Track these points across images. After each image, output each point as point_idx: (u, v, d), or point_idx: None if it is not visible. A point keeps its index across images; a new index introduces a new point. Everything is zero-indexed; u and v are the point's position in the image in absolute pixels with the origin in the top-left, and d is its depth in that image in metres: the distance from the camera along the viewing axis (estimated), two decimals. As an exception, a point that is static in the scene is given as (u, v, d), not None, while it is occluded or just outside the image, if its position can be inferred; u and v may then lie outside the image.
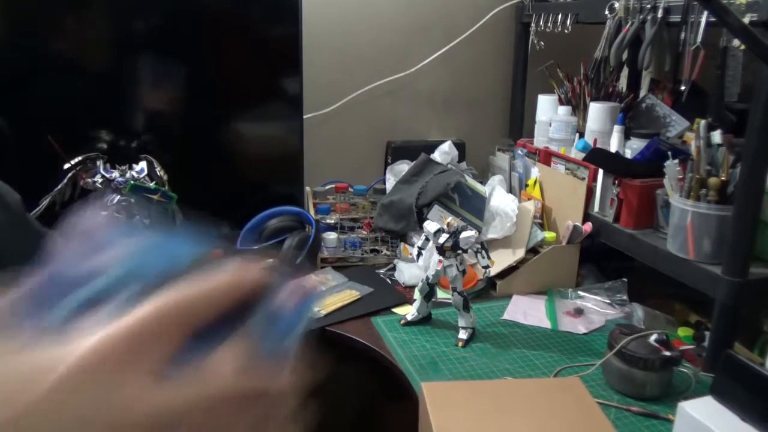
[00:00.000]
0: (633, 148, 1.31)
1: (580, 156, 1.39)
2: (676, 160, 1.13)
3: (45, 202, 1.22)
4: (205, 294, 0.26)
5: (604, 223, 1.31)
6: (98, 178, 1.22)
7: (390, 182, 1.59)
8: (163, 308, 0.25)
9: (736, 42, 1.12)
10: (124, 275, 0.27)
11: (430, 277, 1.17)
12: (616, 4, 1.32)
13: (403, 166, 1.60)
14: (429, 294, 1.18)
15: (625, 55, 1.33)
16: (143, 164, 1.26)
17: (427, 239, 1.16)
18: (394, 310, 1.25)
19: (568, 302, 1.29)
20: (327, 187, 1.66)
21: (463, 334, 1.14)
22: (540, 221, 1.43)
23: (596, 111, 1.42)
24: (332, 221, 1.52)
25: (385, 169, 1.67)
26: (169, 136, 1.46)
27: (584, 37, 1.52)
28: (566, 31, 1.50)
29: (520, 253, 1.33)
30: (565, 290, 1.33)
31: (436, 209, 1.40)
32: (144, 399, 0.24)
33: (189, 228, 0.30)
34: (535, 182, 1.49)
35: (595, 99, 1.48)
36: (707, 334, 1.08)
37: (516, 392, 0.81)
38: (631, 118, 1.45)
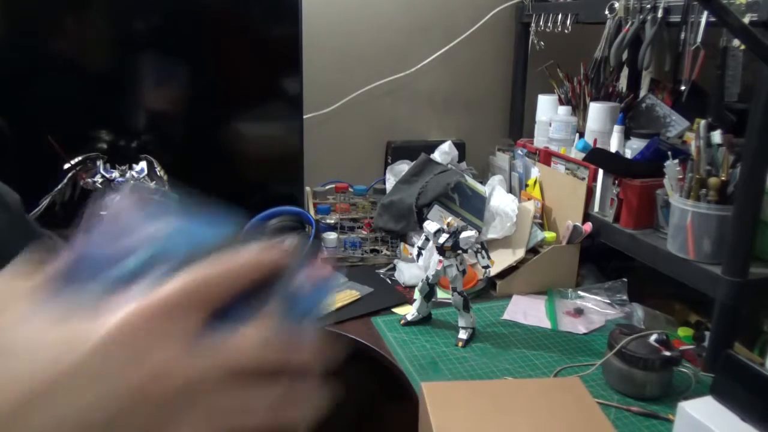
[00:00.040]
0: (633, 148, 1.31)
1: (580, 156, 1.39)
2: (676, 160, 1.13)
3: (45, 202, 1.22)
4: (228, 272, 0.28)
5: (604, 223, 1.31)
6: (98, 178, 1.22)
7: (390, 182, 1.59)
8: (190, 284, 0.27)
9: (736, 42, 1.12)
10: (154, 255, 0.28)
11: (430, 277, 1.17)
12: (616, 4, 1.32)
13: (403, 166, 1.60)
14: (429, 294, 1.18)
15: (625, 55, 1.33)
16: (143, 164, 1.26)
17: (427, 239, 1.16)
18: (394, 310, 1.25)
19: (568, 302, 1.29)
20: (327, 187, 1.66)
21: (463, 334, 1.14)
22: (540, 221, 1.43)
23: (596, 111, 1.42)
24: (332, 221, 1.52)
25: (385, 169, 1.67)
26: (169, 136, 1.46)
27: (584, 37, 1.52)
28: (566, 31, 1.50)
29: (520, 253, 1.33)
30: (565, 290, 1.33)
31: (436, 209, 1.40)
32: (173, 366, 0.25)
33: (212, 212, 0.31)
34: (535, 182, 1.49)
35: (595, 99, 1.48)
36: (707, 334, 1.08)
37: (516, 392, 0.81)
38: (631, 118, 1.45)
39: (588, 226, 1.33)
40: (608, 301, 1.28)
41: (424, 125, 1.83)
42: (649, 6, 1.25)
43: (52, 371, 0.24)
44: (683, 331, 1.17)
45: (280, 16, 1.45)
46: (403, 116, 1.80)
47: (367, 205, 1.59)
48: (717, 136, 1.07)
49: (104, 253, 0.29)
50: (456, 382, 1.00)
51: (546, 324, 1.21)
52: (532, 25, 1.64)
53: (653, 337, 0.98)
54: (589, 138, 1.42)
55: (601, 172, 1.31)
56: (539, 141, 1.58)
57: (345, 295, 1.28)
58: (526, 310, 1.25)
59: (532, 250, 1.35)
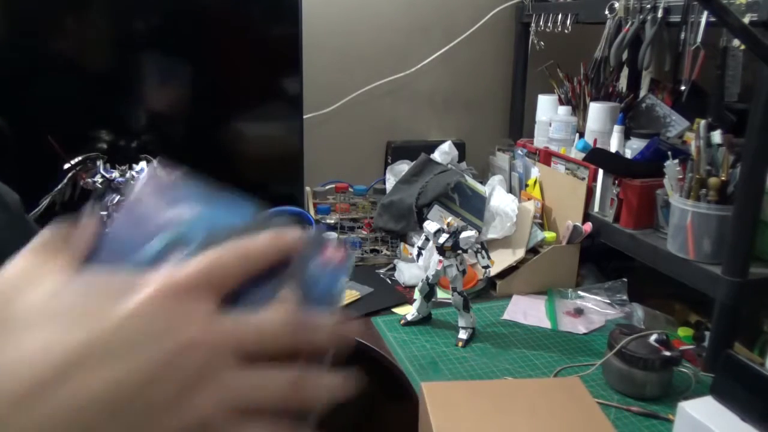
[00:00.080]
0: (633, 148, 1.31)
1: (580, 156, 1.39)
2: (676, 160, 1.13)
3: (45, 202, 1.21)
4: (243, 255, 0.29)
5: (604, 223, 1.31)
6: (98, 178, 1.21)
7: (390, 182, 1.59)
8: (206, 266, 0.28)
9: (736, 42, 1.12)
10: (175, 239, 0.30)
11: (430, 277, 1.17)
12: (616, 4, 1.32)
13: (403, 166, 1.60)
14: (429, 294, 1.18)
15: (625, 55, 1.33)
16: (143, 164, 1.26)
17: (427, 239, 1.16)
18: (394, 310, 1.25)
19: (568, 302, 1.29)
20: (327, 187, 1.66)
21: (463, 334, 1.14)
22: (540, 221, 1.43)
23: (596, 111, 1.42)
24: (332, 221, 1.52)
25: (385, 169, 1.67)
26: (169, 136, 1.46)
27: (584, 37, 1.52)
28: (566, 31, 1.50)
29: (520, 253, 1.33)
30: (565, 290, 1.33)
31: (436, 209, 1.40)
32: (195, 342, 0.26)
33: (231, 198, 0.33)
34: (535, 182, 1.49)
35: (595, 99, 1.48)
36: (707, 334, 1.08)
37: (516, 392, 0.81)
38: (631, 118, 1.45)
39: (588, 226, 1.33)
40: (608, 301, 1.28)
41: (424, 125, 1.83)
42: (649, 6, 1.24)
43: (85, 342, 0.25)
44: (683, 331, 1.17)
45: (280, 16, 1.45)
46: (403, 116, 1.80)
47: (367, 205, 1.59)
48: (717, 136, 1.07)
49: (128, 237, 0.30)
50: (456, 382, 1.00)
51: (546, 324, 1.21)
52: (532, 25, 1.64)
53: (653, 337, 0.97)
54: (589, 138, 1.42)
55: (601, 172, 1.31)
56: (539, 141, 1.58)
57: (345, 295, 1.28)
58: (526, 310, 1.25)
59: (532, 250, 1.35)
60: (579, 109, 1.54)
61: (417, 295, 1.20)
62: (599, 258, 1.40)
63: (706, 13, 1.11)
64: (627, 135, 1.35)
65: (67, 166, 1.23)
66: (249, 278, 0.29)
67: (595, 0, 1.38)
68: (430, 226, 1.15)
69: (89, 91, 1.37)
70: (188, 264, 0.28)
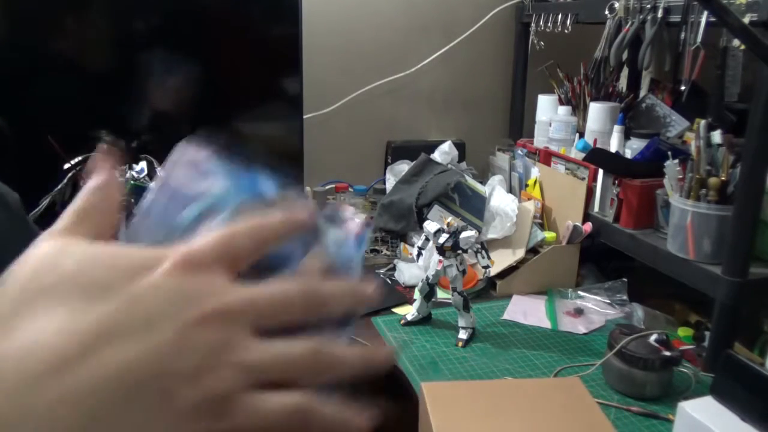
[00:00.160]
0: (633, 148, 1.31)
1: (580, 156, 1.39)
2: (676, 160, 1.13)
3: (45, 202, 1.21)
4: (258, 229, 0.29)
5: (604, 223, 1.30)
6: (98, 178, 1.21)
7: (390, 182, 1.59)
8: (233, 232, 0.29)
9: (736, 42, 1.12)
10: (208, 208, 0.31)
11: (430, 277, 1.17)
12: (616, 4, 1.32)
13: (403, 166, 1.60)
14: (429, 294, 1.18)
15: (625, 55, 1.33)
16: (143, 164, 1.26)
17: (427, 239, 1.16)
18: (394, 310, 1.25)
19: (568, 302, 1.29)
20: (327, 187, 1.66)
21: (463, 334, 1.14)
22: (540, 221, 1.43)
23: (596, 111, 1.42)
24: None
25: (385, 169, 1.67)
26: (169, 136, 1.45)
27: (584, 37, 1.52)
28: (566, 31, 1.50)
29: (520, 253, 1.33)
30: (565, 290, 1.33)
31: (436, 209, 1.40)
32: (219, 303, 0.27)
33: (260, 170, 0.34)
34: (535, 182, 1.49)
35: (595, 99, 1.48)
36: (707, 334, 1.08)
37: (516, 392, 0.81)
38: (631, 118, 1.45)
39: (588, 226, 1.33)
40: (608, 301, 1.28)
41: (424, 125, 1.83)
42: (649, 6, 1.25)
43: (100, 322, 0.25)
44: (683, 331, 1.17)
45: (280, 16, 1.45)
46: (403, 116, 1.80)
47: (367, 205, 1.59)
48: (717, 136, 1.07)
49: (163, 207, 0.32)
50: (456, 382, 1.00)
51: (546, 324, 1.21)
52: (532, 25, 1.64)
53: (653, 337, 0.97)
54: (589, 138, 1.42)
55: (601, 172, 1.31)
56: (539, 141, 1.58)
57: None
58: (526, 310, 1.25)
59: (532, 250, 1.35)
60: (579, 109, 1.54)
61: (417, 295, 1.20)
62: (599, 258, 1.40)
63: (706, 13, 1.11)
64: (627, 135, 1.35)
65: (67, 166, 1.23)
66: (268, 251, 0.30)
67: (595, 0, 1.38)
68: (430, 226, 1.15)
69: (89, 91, 1.37)
70: (204, 238, 0.28)
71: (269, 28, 1.47)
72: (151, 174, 1.26)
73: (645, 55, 1.24)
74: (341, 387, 0.30)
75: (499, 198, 1.47)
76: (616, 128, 1.36)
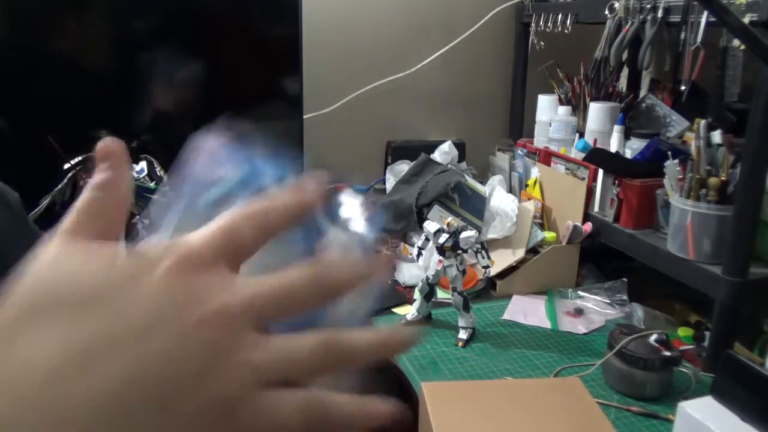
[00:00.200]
0: (633, 148, 1.31)
1: (580, 156, 1.39)
2: (676, 160, 1.13)
3: (45, 202, 1.21)
4: (262, 214, 0.28)
5: (604, 223, 1.30)
6: (98, 178, 1.21)
7: (390, 182, 1.59)
8: (234, 222, 0.27)
9: (736, 42, 1.12)
10: (237, 186, 0.32)
11: (430, 277, 1.17)
12: (616, 4, 1.32)
13: (403, 166, 1.60)
14: (429, 294, 1.18)
15: (625, 55, 1.33)
16: (143, 164, 1.26)
17: (427, 239, 1.16)
18: (394, 310, 1.25)
19: (568, 302, 1.29)
20: (327, 187, 1.66)
21: (463, 334, 1.14)
22: (540, 221, 1.43)
23: (596, 111, 1.42)
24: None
25: (385, 169, 1.67)
26: (169, 136, 1.45)
27: (584, 37, 1.52)
28: (566, 31, 1.50)
29: (520, 253, 1.33)
30: (565, 290, 1.33)
31: (436, 209, 1.40)
32: (219, 303, 0.26)
33: (279, 153, 0.35)
34: (535, 182, 1.49)
35: (595, 99, 1.48)
36: (707, 334, 1.08)
37: (516, 392, 0.81)
38: (631, 118, 1.45)
39: (588, 226, 1.33)
40: (608, 301, 1.28)
41: (424, 125, 1.83)
42: (649, 6, 1.25)
43: (97, 332, 0.25)
44: (683, 331, 1.17)
45: (280, 16, 1.45)
46: (403, 116, 1.80)
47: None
48: (717, 136, 1.07)
49: (185, 191, 0.33)
50: (456, 382, 1.00)
51: (546, 324, 1.21)
52: (532, 25, 1.64)
53: (653, 337, 0.97)
54: (589, 138, 1.42)
55: (601, 172, 1.31)
56: (539, 141, 1.58)
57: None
58: (526, 310, 1.25)
59: (532, 250, 1.35)
60: (579, 109, 1.54)
61: (417, 295, 1.20)
62: (599, 258, 1.40)
63: (706, 13, 1.11)
64: (627, 135, 1.35)
65: (67, 166, 1.23)
66: (270, 235, 0.29)
67: (595, 0, 1.38)
68: (430, 226, 1.15)
69: (89, 91, 1.37)
70: (203, 232, 0.27)
71: (269, 28, 1.47)
72: (151, 174, 1.26)
73: (645, 55, 1.24)
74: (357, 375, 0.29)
75: (499, 198, 1.47)
76: (616, 128, 1.36)
